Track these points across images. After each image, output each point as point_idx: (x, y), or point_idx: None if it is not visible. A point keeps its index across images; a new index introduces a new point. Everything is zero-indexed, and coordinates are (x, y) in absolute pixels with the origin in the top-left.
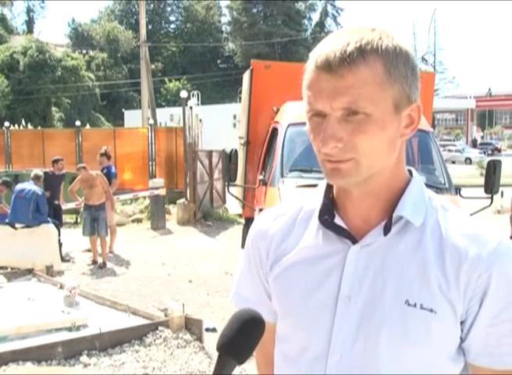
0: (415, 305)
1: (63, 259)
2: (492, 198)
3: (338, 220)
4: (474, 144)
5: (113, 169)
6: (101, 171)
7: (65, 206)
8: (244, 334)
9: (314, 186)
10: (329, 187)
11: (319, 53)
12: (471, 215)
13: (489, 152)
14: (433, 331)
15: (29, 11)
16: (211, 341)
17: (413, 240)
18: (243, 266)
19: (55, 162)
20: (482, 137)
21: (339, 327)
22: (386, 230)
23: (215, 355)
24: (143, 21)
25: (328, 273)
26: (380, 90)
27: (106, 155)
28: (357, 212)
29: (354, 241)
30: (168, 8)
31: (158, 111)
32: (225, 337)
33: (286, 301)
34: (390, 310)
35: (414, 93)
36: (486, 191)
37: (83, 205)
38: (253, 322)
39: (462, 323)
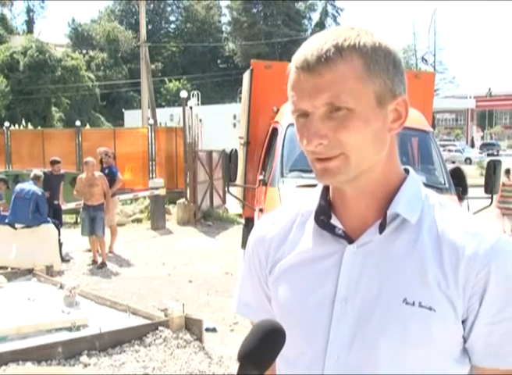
0: (413, 304)
1: (63, 259)
2: (492, 198)
3: (334, 221)
4: (472, 144)
5: (114, 169)
6: (103, 170)
7: (65, 206)
8: (266, 344)
9: (315, 186)
10: (326, 189)
11: (298, 54)
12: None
13: (495, 153)
14: (433, 330)
15: (29, 11)
16: (211, 341)
17: (409, 237)
18: (244, 272)
19: (53, 163)
20: (482, 138)
21: (337, 329)
22: (381, 227)
23: (215, 355)
24: (143, 21)
25: (324, 275)
26: (360, 85)
27: (113, 156)
28: (353, 212)
29: (351, 242)
30: (168, 8)
31: (158, 111)
32: (247, 346)
33: (284, 305)
34: (388, 309)
35: (398, 87)
36: (486, 191)
37: (82, 204)
38: (274, 332)
39: (464, 322)
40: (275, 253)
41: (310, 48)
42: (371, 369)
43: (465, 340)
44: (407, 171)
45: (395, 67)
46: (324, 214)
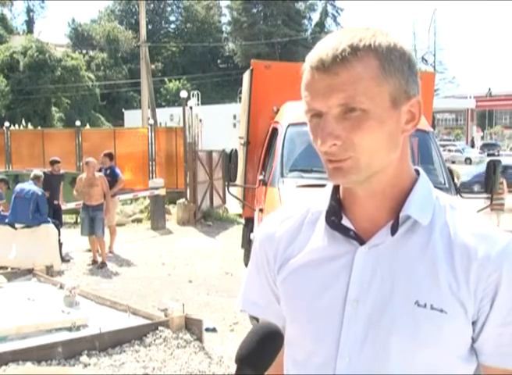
0: (425, 306)
1: (63, 259)
2: (491, 198)
3: (345, 221)
4: (472, 144)
5: (117, 170)
6: (105, 171)
7: (65, 206)
8: (263, 347)
9: (314, 186)
10: (336, 189)
11: (313, 54)
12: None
13: (496, 154)
14: (444, 332)
15: (29, 11)
16: (211, 341)
17: (421, 239)
18: (251, 270)
19: (53, 163)
20: (482, 138)
21: (348, 331)
22: (393, 229)
23: (215, 355)
24: (143, 21)
25: (335, 276)
26: (375, 84)
27: (110, 156)
28: (363, 213)
29: (362, 243)
30: (168, 8)
31: (158, 111)
32: (244, 349)
33: (294, 305)
34: (400, 311)
35: (412, 88)
36: (486, 191)
37: (81, 205)
38: (272, 335)
39: (473, 323)
40: (284, 252)
41: (325, 48)
42: (382, 370)
43: (474, 340)
44: (417, 172)
45: (409, 68)
46: (335, 215)
